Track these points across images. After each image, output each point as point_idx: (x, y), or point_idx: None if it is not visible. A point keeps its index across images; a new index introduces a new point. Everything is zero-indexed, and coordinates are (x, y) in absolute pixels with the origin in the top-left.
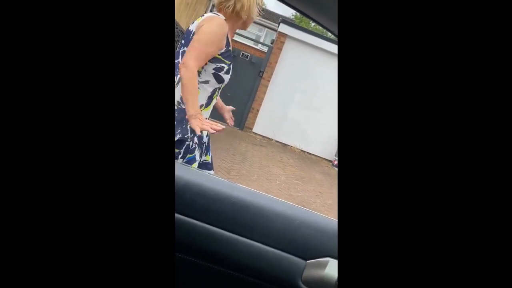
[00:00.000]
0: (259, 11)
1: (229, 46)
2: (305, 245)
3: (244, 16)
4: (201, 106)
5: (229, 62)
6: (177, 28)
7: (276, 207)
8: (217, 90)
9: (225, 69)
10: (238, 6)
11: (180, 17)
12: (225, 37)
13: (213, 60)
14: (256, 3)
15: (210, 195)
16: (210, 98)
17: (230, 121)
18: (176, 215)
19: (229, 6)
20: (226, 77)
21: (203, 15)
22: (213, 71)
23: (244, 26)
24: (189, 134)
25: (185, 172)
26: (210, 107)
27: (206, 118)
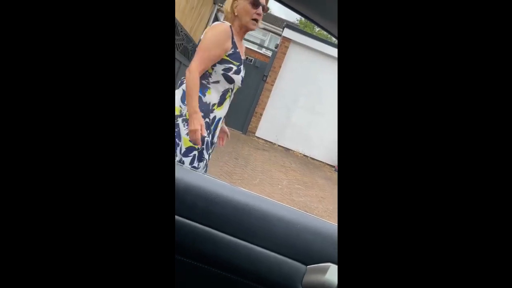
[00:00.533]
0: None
1: (236, 48)
2: (306, 250)
3: (235, 12)
4: (213, 105)
5: (238, 63)
6: (181, 32)
7: (278, 212)
8: (230, 90)
9: (233, 70)
10: (226, 8)
11: (185, 21)
12: (229, 39)
13: (221, 61)
14: None
15: (211, 198)
16: (223, 98)
17: (220, 141)
18: (176, 217)
19: (226, 13)
20: (236, 77)
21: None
22: (222, 72)
23: (240, 23)
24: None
25: (185, 174)
26: (223, 107)
27: (220, 118)
